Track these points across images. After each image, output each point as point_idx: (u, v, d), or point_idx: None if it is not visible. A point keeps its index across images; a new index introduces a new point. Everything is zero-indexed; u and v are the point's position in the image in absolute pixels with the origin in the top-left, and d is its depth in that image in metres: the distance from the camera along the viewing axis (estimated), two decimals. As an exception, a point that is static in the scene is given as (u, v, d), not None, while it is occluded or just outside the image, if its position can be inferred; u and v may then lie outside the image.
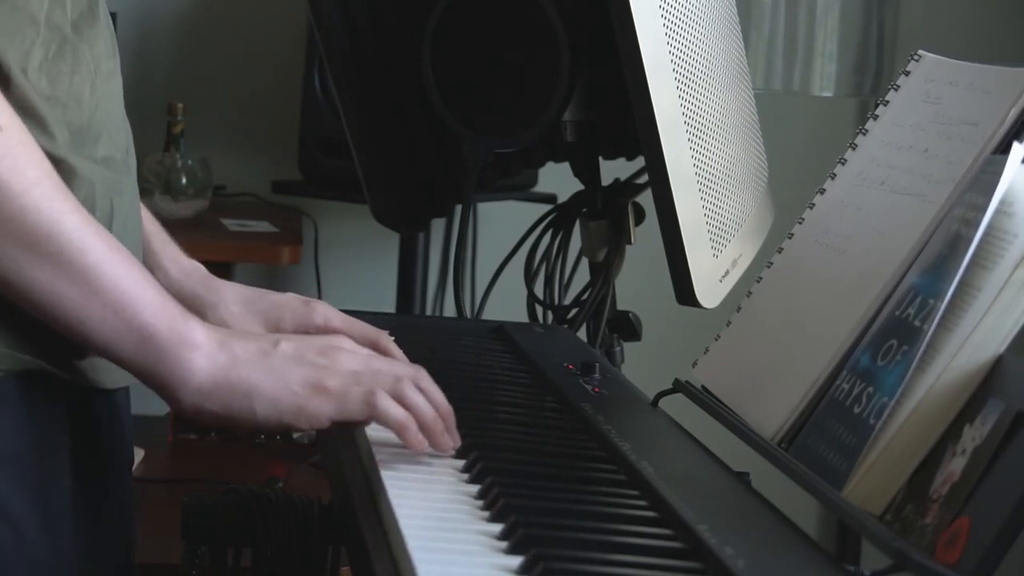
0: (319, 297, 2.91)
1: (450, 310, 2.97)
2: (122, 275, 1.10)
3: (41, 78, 1.12)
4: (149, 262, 1.32)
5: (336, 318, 1.35)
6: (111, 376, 1.20)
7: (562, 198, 2.00)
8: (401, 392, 1.15)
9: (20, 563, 1.12)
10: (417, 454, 1.16)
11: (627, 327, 1.90)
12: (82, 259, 1.08)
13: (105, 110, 1.19)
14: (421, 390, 1.17)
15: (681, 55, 1.59)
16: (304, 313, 1.35)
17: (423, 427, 1.15)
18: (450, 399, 1.20)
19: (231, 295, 1.36)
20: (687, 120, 1.60)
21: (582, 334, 1.83)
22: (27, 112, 1.10)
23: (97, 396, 1.20)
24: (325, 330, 1.33)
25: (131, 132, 1.26)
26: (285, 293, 1.39)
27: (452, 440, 1.17)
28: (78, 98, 1.16)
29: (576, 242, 1.92)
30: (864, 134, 1.32)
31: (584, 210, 1.89)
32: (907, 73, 1.32)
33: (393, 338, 1.36)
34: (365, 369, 1.16)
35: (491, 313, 1.86)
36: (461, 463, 1.16)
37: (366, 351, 1.20)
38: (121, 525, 1.29)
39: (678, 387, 1.33)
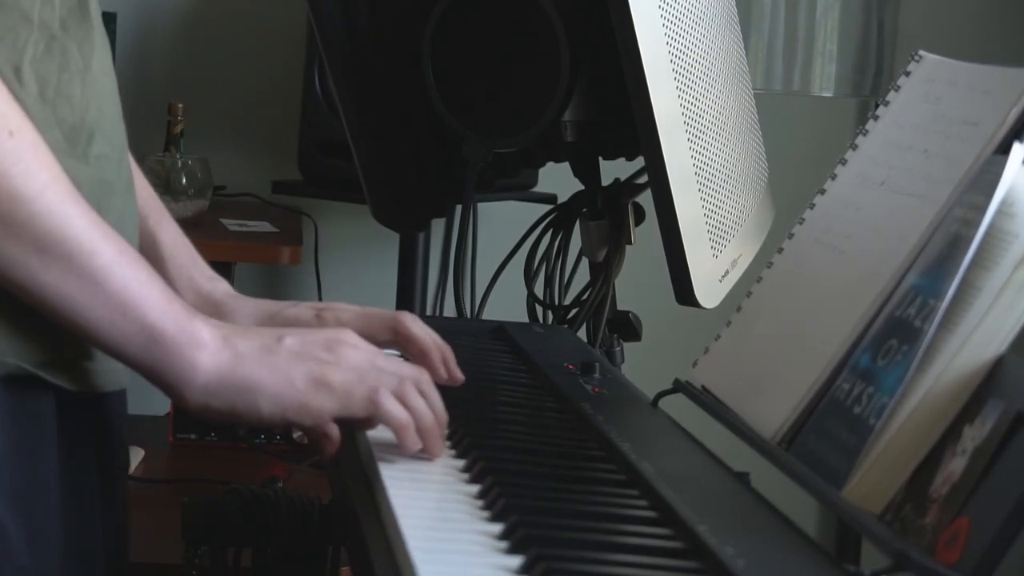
0: (319, 297, 2.92)
1: (450, 310, 2.97)
2: (130, 277, 1.10)
3: (31, 77, 1.12)
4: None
5: (350, 322, 1.33)
6: (102, 379, 1.19)
7: (562, 198, 2.00)
8: (403, 393, 1.15)
9: (6, 568, 1.12)
10: (415, 455, 1.16)
11: (627, 327, 1.90)
12: (91, 262, 1.08)
13: (97, 108, 1.19)
14: (421, 393, 1.17)
15: (681, 55, 1.59)
16: (316, 326, 1.33)
17: (421, 431, 1.15)
18: (450, 399, 1.20)
19: (247, 312, 1.35)
20: (687, 120, 1.60)
21: (582, 334, 1.83)
22: None
23: (87, 400, 1.20)
24: None
25: (126, 131, 1.25)
26: (298, 305, 1.37)
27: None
28: (68, 96, 1.15)
29: (576, 242, 1.92)
30: (864, 134, 1.32)
31: (584, 210, 1.90)
32: (907, 73, 1.32)
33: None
34: (369, 366, 1.16)
35: (491, 313, 1.86)
36: (461, 463, 1.16)
37: (371, 347, 1.20)
38: (113, 528, 1.28)
39: (678, 387, 1.33)
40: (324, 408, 1.14)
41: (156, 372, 1.12)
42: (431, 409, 1.17)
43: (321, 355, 1.15)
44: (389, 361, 1.19)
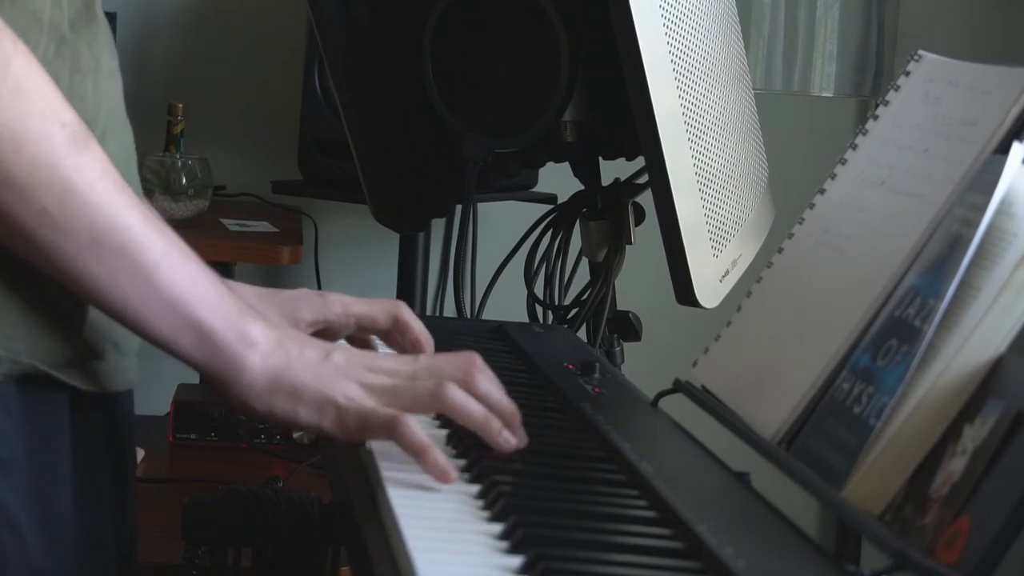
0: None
1: (450, 310, 2.97)
2: (180, 271, 1.10)
3: None
4: None
5: (353, 304, 1.35)
6: (115, 379, 1.19)
7: (562, 198, 2.00)
8: (443, 397, 1.14)
9: (23, 569, 1.12)
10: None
11: (627, 327, 1.90)
12: (142, 256, 1.08)
13: (108, 108, 1.19)
14: (468, 388, 1.15)
15: (681, 55, 1.59)
16: (320, 304, 1.35)
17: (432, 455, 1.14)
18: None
19: (244, 294, 1.36)
20: (687, 120, 1.60)
21: (582, 334, 1.83)
22: None
23: (99, 399, 1.20)
24: (345, 318, 1.33)
25: (132, 131, 1.25)
26: (296, 288, 1.38)
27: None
28: (81, 97, 1.15)
29: (576, 242, 1.92)
30: (864, 134, 1.32)
31: (584, 210, 1.90)
32: (907, 73, 1.32)
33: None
34: (407, 387, 1.15)
35: (491, 313, 1.86)
36: (461, 463, 1.16)
37: (415, 359, 1.18)
38: (123, 528, 1.28)
39: (678, 387, 1.33)
40: (355, 426, 1.13)
41: (207, 367, 1.13)
42: (496, 400, 1.15)
43: (365, 376, 1.15)
44: (431, 368, 1.16)
